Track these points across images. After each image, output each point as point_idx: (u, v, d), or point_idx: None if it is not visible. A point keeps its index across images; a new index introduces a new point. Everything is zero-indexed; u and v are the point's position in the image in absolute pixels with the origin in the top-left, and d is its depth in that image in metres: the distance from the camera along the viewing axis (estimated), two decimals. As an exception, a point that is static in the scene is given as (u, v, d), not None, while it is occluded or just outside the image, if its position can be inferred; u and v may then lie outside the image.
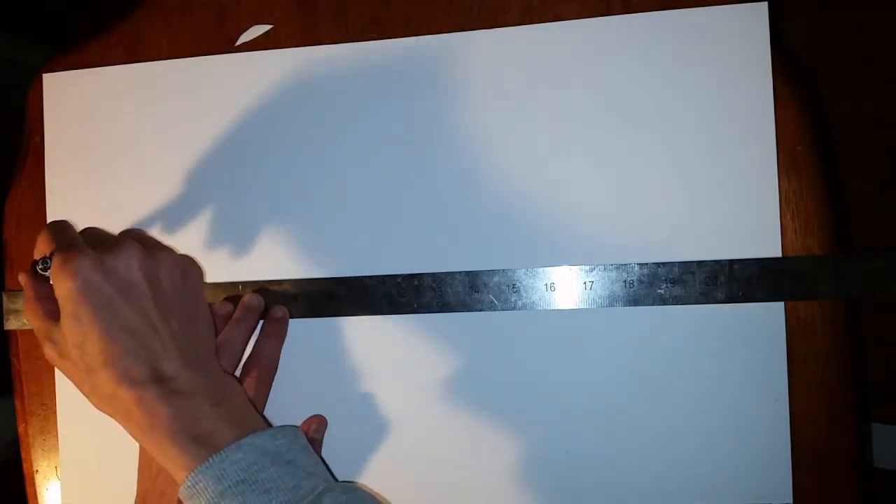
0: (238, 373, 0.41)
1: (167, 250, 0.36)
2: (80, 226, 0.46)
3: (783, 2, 0.40)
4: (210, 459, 0.31)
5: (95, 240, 0.36)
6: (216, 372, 0.36)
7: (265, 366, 0.41)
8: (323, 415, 0.43)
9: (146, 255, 0.35)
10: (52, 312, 0.34)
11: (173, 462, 0.32)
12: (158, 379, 0.33)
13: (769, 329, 0.39)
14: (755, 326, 0.40)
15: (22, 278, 0.36)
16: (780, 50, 0.39)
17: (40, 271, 0.35)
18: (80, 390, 0.34)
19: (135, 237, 0.36)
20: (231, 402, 0.35)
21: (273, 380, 0.42)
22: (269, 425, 0.35)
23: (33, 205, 0.47)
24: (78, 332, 0.33)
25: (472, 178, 0.42)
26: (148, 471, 0.39)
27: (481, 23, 0.43)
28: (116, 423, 0.45)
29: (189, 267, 0.37)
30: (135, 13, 0.47)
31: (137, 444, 0.40)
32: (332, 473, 0.36)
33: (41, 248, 0.35)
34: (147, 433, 0.32)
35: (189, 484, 0.31)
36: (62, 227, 0.36)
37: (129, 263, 0.34)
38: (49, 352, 0.35)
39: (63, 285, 0.32)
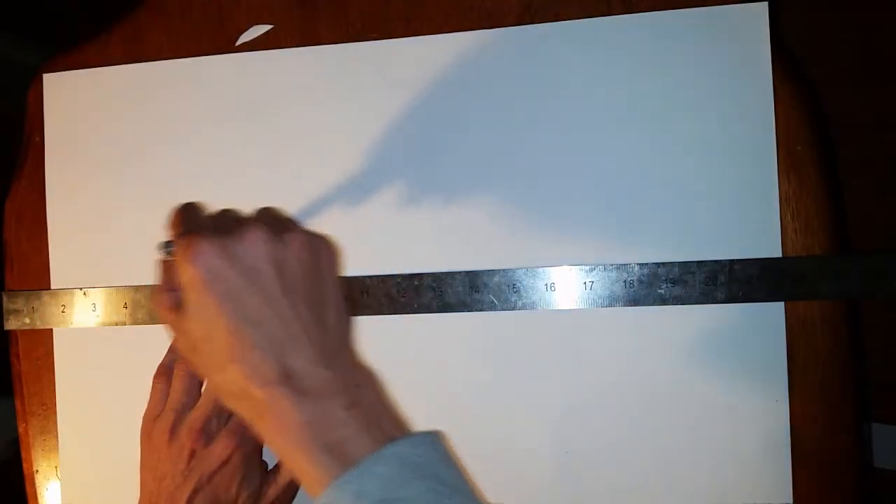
0: None
1: (297, 231, 0.33)
2: (78, 228, 0.46)
3: (783, 2, 0.40)
4: (348, 474, 0.28)
5: (225, 222, 0.33)
6: (350, 367, 0.33)
7: None
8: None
9: (273, 237, 0.32)
10: (179, 304, 0.32)
11: (305, 473, 0.29)
12: (288, 377, 0.30)
13: (769, 329, 0.39)
14: (755, 326, 0.40)
15: (158, 266, 0.34)
16: (780, 50, 0.39)
17: (164, 255, 0.33)
18: (213, 386, 0.33)
19: (267, 217, 0.34)
20: (366, 404, 0.31)
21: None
22: (405, 428, 0.32)
23: (33, 205, 0.47)
24: (203, 324, 0.31)
25: (471, 178, 0.42)
26: (153, 472, 0.38)
27: (481, 23, 0.43)
28: (116, 424, 0.45)
29: (321, 248, 0.34)
30: (135, 13, 0.47)
31: (139, 445, 0.40)
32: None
33: (169, 230, 0.33)
34: (276, 437, 0.30)
35: (325, 501, 0.28)
36: (190, 210, 0.34)
37: (256, 248, 0.31)
38: (180, 345, 0.33)
39: (186, 273, 0.31)
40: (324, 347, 0.32)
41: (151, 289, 0.36)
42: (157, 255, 0.35)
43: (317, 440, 0.29)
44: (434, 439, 0.30)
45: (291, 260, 0.32)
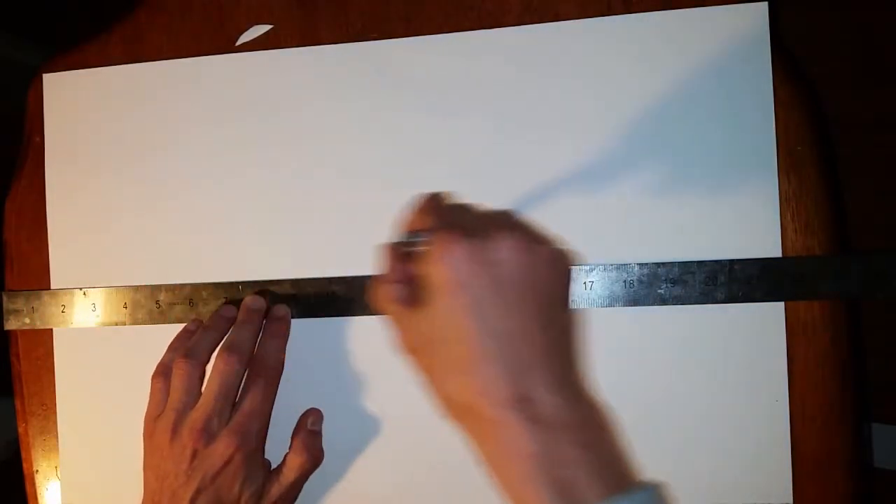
0: (245, 375, 0.41)
1: (545, 243, 0.31)
2: (78, 228, 0.46)
3: (783, 2, 0.40)
4: None
5: (477, 223, 0.31)
6: (582, 398, 0.30)
7: (271, 366, 0.41)
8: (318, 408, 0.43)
9: (527, 248, 0.30)
10: (409, 298, 0.31)
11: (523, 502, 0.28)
12: (524, 401, 0.28)
13: (769, 329, 0.39)
14: (755, 326, 0.40)
15: (385, 253, 0.32)
16: (780, 50, 0.39)
17: (406, 246, 0.31)
18: (429, 389, 0.31)
19: (512, 222, 0.32)
20: (597, 441, 0.29)
21: (279, 380, 0.42)
22: (631, 473, 0.29)
23: (33, 205, 0.47)
24: (444, 327, 0.29)
25: (471, 178, 0.42)
26: (156, 472, 0.38)
27: (481, 23, 0.43)
28: (116, 424, 0.45)
29: (565, 265, 0.32)
30: (135, 13, 0.47)
31: (141, 444, 0.40)
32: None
33: (414, 220, 0.32)
34: (500, 464, 0.28)
35: None
36: (443, 202, 0.33)
37: (510, 258, 0.29)
38: (400, 342, 0.32)
39: (439, 273, 0.29)
40: (560, 373, 0.29)
41: (375, 277, 0.33)
42: (389, 242, 0.33)
43: (545, 475, 0.27)
44: (660, 492, 0.28)
45: (539, 275, 0.30)
